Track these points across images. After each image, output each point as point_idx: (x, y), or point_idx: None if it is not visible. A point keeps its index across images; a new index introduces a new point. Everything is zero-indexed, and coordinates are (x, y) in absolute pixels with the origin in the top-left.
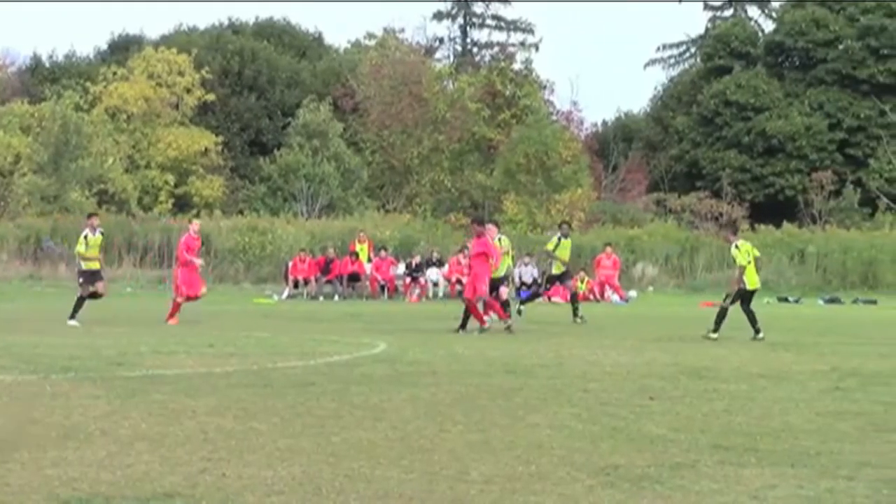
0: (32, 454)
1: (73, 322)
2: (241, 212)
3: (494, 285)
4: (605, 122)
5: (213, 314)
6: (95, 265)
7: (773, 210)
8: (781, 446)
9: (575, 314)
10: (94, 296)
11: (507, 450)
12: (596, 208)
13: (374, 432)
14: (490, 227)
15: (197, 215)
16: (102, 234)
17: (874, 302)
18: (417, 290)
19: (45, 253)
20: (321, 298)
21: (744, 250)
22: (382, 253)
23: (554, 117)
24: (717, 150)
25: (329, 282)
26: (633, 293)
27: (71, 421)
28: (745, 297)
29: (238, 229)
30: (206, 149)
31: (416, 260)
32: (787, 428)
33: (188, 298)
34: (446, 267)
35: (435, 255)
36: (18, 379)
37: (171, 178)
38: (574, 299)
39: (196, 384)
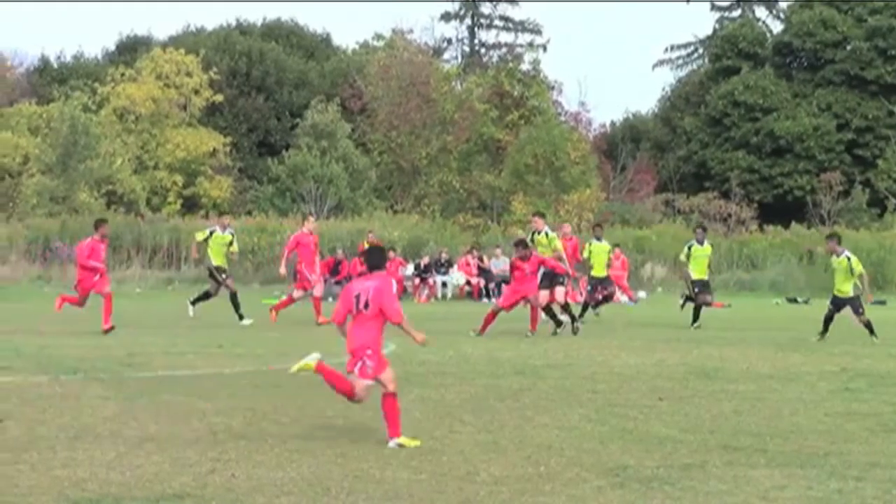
0: (42, 455)
1: (246, 321)
2: (249, 212)
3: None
4: (613, 123)
5: (223, 315)
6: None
7: (781, 211)
8: (791, 447)
9: (584, 311)
10: (207, 296)
11: (516, 451)
12: (604, 209)
13: (383, 433)
14: (536, 219)
15: (206, 216)
16: (232, 234)
17: (883, 303)
18: (426, 291)
19: (54, 255)
20: (330, 299)
21: (856, 259)
22: (391, 254)
23: (562, 118)
24: (725, 151)
25: (338, 282)
26: (642, 294)
27: (80, 422)
28: (848, 304)
29: (247, 230)
30: (214, 150)
31: (425, 261)
32: (796, 429)
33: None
34: (455, 268)
35: (444, 255)
36: (28, 380)
37: (179, 179)
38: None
39: (205, 385)
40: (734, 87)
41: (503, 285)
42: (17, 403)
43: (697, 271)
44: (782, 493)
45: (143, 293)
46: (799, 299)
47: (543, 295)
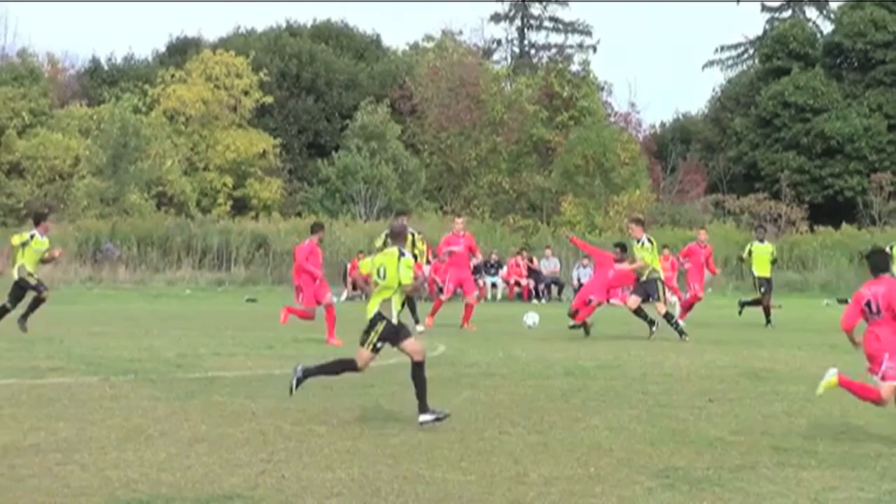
0: (93, 456)
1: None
2: (299, 214)
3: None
4: (663, 124)
5: (273, 316)
6: None
7: (832, 211)
8: (841, 448)
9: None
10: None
11: (566, 452)
12: (654, 210)
13: (432, 434)
14: (633, 226)
15: (255, 217)
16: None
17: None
18: (476, 293)
19: (104, 255)
20: None
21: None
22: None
23: (612, 119)
24: (775, 152)
25: None
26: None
27: (131, 423)
28: None
29: (297, 231)
30: (264, 151)
31: (475, 262)
32: (847, 430)
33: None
34: (505, 268)
35: (493, 256)
36: (79, 381)
37: (229, 181)
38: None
39: (256, 386)
40: (784, 87)
41: (553, 286)
42: (68, 404)
43: (760, 269)
44: (833, 494)
45: (193, 294)
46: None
47: (633, 299)
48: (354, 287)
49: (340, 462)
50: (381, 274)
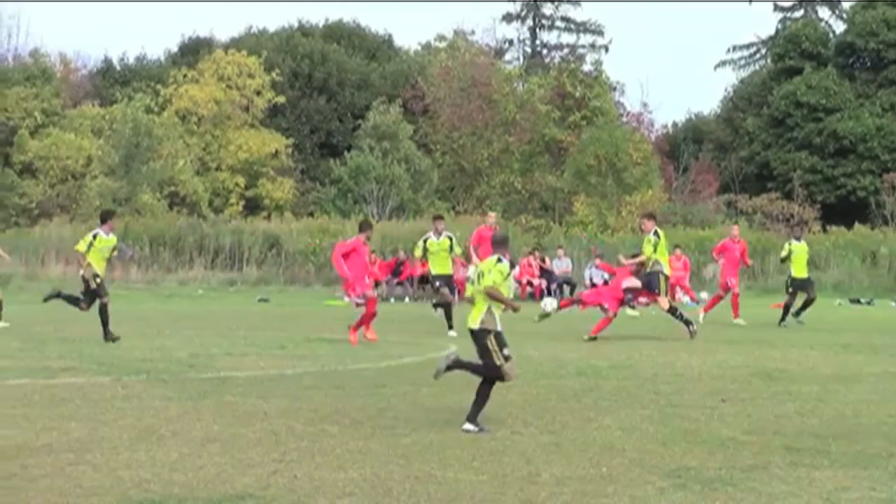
0: (105, 456)
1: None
2: (311, 214)
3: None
4: (675, 124)
5: (285, 316)
6: None
7: (844, 211)
8: (854, 448)
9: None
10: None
11: (578, 452)
12: (666, 210)
13: (444, 434)
14: (646, 221)
15: (267, 217)
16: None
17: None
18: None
19: (118, 256)
20: (392, 300)
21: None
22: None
23: (624, 119)
24: (787, 152)
25: (400, 283)
26: (703, 295)
27: (143, 423)
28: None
29: (309, 231)
30: (276, 151)
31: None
32: (859, 430)
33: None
34: (517, 269)
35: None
36: (91, 381)
37: (241, 181)
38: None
39: (268, 386)
40: (797, 87)
41: (565, 286)
42: (81, 404)
43: (798, 269)
44: (846, 494)
45: (206, 294)
46: (862, 300)
47: (663, 300)
48: None
49: (352, 462)
50: (478, 280)
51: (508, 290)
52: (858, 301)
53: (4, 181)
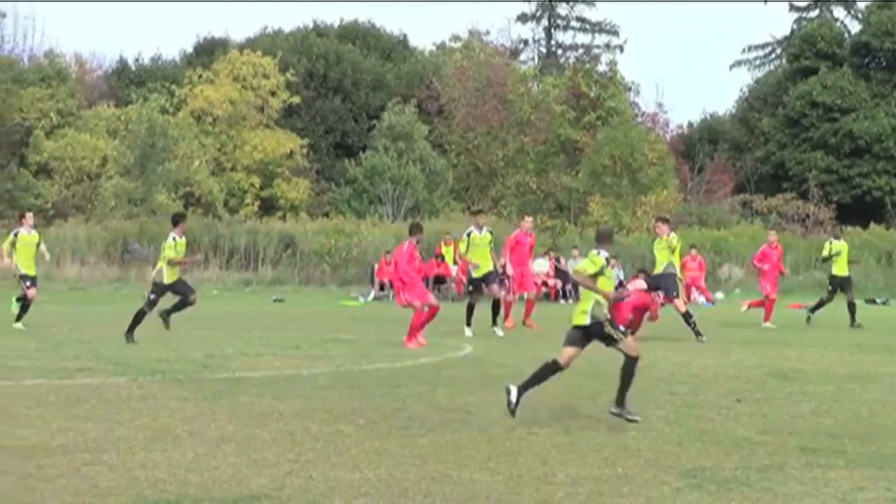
0: (121, 456)
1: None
2: (326, 214)
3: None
4: (690, 124)
5: (300, 316)
6: None
7: (860, 211)
8: (869, 448)
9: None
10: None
11: (593, 452)
12: (682, 210)
13: (460, 434)
14: (661, 224)
15: (283, 218)
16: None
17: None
18: (503, 293)
19: (131, 256)
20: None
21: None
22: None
23: (639, 119)
24: (803, 152)
25: None
26: (719, 295)
27: (159, 423)
28: None
29: (324, 231)
30: (291, 151)
31: (502, 262)
32: (875, 430)
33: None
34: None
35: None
36: (107, 381)
37: (256, 181)
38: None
39: (283, 386)
40: (812, 87)
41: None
42: (96, 405)
43: (839, 268)
44: (861, 494)
45: (221, 295)
46: (877, 300)
47: (679, 303)
48: (382, 287)
49: (368, 462)
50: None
51: (610, 282)
52: (874, 301)
53: (20, 182)
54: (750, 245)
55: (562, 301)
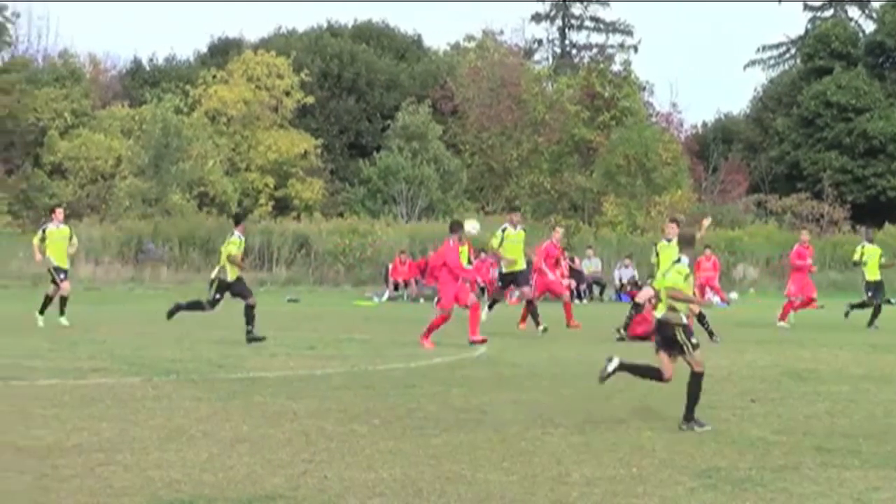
0: (135, 456)
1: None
2: (340, 214)
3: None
4: (704, 124)
5: (314, 316)
6: None
7: (874, 211)
8: (885, 448)
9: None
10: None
11: (608, 452)
12: (696, 210)
13: (474, 434)
14: (672, 225)
15: (297, 218)
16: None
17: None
18: (517, 293)
19: (145, 256)
20: (421, 300)
21: None
22: (482, 255)
23: (653, 119)
24: (817, 152)
25: (429, 284)
26: (733, 295)
27: (173, 423)
28: None
29: (338, 231)
30: (305, 151)
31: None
32: (890, 430)
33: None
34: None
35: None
36: (122, 381)
37: (270, 181)
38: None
39: (297, 386)
40: (826, 87)
41: (594, 286)
42: (111, 404)
43: (871, 272)
44: (876, 494)
45: None
46: (892, 300)
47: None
48: (396, 287)
49: (382, 462)
50: (661, 278)
51: (690, 287)
52: (889, 301)
53: (34, 182)
54: (764, 245)
55: (576, 301)
